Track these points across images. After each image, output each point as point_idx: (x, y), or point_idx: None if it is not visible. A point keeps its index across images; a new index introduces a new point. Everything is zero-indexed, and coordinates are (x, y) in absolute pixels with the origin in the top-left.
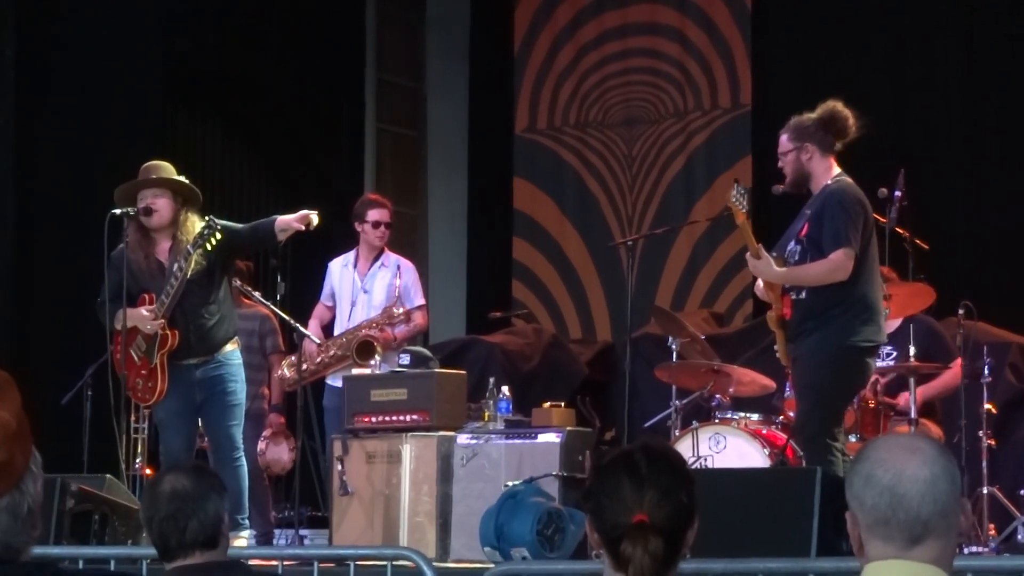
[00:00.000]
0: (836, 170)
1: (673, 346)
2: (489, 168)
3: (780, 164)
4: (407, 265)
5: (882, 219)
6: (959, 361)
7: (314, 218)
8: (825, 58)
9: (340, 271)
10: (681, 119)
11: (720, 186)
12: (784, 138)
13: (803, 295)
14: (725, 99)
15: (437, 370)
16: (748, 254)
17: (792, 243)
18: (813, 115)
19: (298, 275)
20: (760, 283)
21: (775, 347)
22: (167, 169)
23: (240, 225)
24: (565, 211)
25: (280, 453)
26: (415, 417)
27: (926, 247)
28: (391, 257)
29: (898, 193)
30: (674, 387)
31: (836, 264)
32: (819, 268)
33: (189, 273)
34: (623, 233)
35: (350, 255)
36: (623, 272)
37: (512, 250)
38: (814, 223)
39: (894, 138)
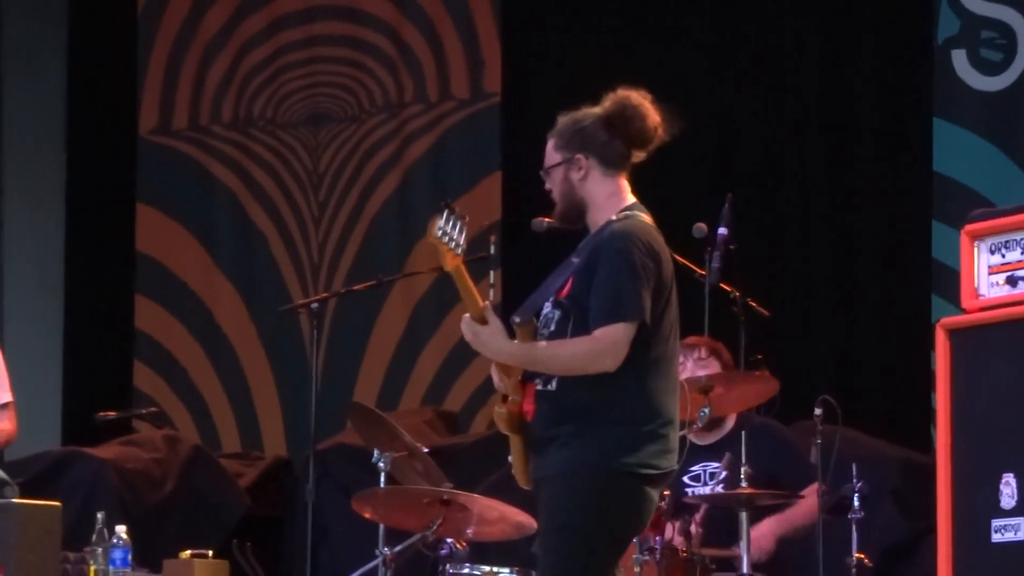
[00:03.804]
0: (628, 198)
1: (381, 463)
2: (98, 188)
3: (547, 186)
4: None
5: (699, 271)
6: (815, 486)
7: None
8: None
9: None
10: (394, 115)
11: None
12: (550, 145)
13: (553, 385)
14: (462, 87)
15: (16, 500)
16: (465, 317)
17: (548, 305)
18: (594, 110)
19: None
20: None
21: (509, 459)
22: None
23: None
24: (215, 256)
25: None
26: None
27: (766, 313)
28: None
29: (723, 231)
30: (382, 527)
31: (603, 345)
32: (576, 348)
33: None
34: (305, 291)
35: None
36: (305, 350)
37: (135, 314)
38: (581, 278)
39: (716, 152)
